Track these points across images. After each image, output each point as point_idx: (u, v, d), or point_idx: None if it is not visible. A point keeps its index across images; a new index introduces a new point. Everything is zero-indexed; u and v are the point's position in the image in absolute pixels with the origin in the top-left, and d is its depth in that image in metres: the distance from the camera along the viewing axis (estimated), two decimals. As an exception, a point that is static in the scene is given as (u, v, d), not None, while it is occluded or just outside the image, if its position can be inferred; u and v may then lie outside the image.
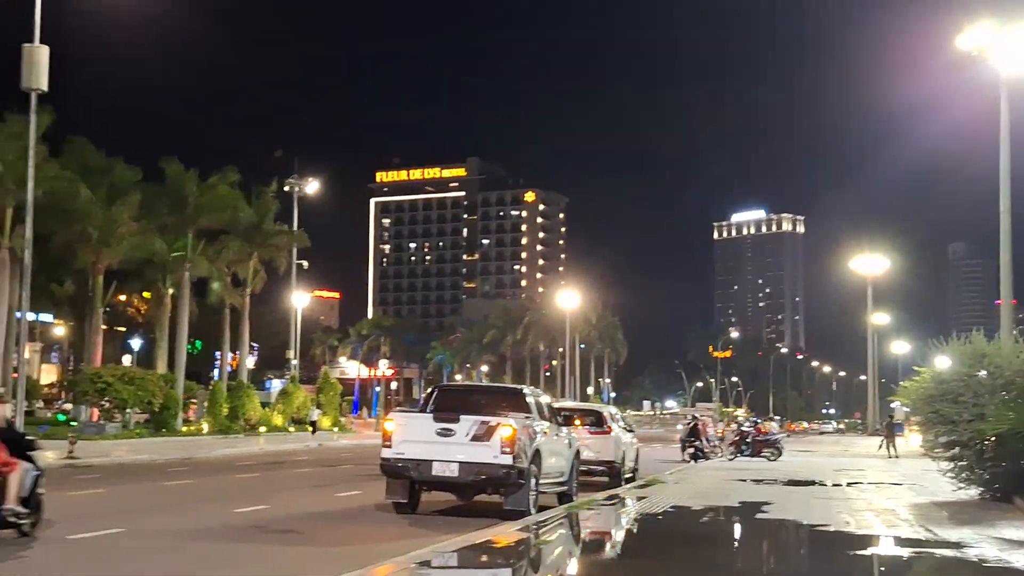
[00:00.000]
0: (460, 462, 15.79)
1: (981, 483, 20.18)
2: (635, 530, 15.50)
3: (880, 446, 49.73)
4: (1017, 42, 26.84)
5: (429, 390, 19.35)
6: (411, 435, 16.13)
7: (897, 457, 44.81)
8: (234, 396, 52.41)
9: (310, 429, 54.32)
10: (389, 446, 16.11)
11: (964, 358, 20.62)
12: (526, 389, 18.57)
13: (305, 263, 63.40)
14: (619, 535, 15.03)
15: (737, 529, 15.92)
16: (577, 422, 24.84)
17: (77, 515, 15.61)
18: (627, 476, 26.10)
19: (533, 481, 16.33)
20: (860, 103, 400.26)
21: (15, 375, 68.98)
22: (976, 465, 20.18)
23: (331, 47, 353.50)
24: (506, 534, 13.50)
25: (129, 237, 45.27)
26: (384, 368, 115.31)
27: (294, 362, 66.94)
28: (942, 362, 23.08)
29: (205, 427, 48.92)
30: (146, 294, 62.49)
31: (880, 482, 26.76)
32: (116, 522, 14.59)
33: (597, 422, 25.63)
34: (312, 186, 62.68)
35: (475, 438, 15.77)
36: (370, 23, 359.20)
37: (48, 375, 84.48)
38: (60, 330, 78.04)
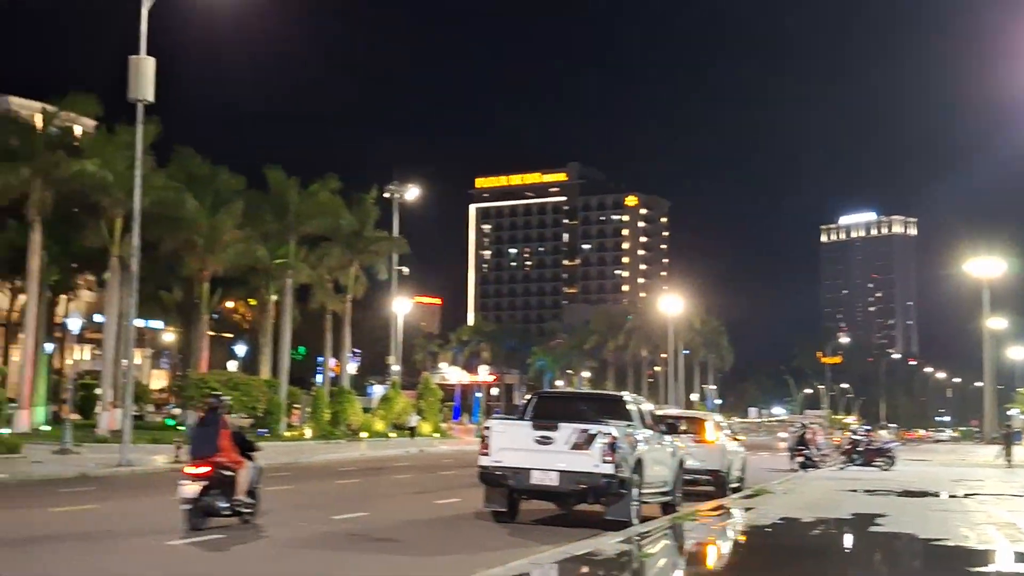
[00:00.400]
0: (560, 471, 15.44)
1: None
2: (742, 543, 14.95)
3: (997, 455, 47.98)
4: None
5: (528, 397, 19.06)
6: (510, 443, 15.83)
7: (1012, 466, 43.19)
8: (336, 402, 52.91)
9: (409, 434, 54.63)
10: (487, 454, 15.84)
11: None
12: (627, 396, 18.16)
13: (406, 269, 63.65)
14: (725, 548, 14.49)
15: (849, 543, 15.24)
16: (681, 430, 24.26)
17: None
18: (733, 485, 25.43)
19: (635, 491, 15.91)
20: (971, 97, 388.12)
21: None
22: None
23: (430, 53, 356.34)
24: (607, 545, 13.12)
25: (233, 244, 46.03)
26: (484, 374, 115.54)
27: (396, 368, 67.34)
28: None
29: (308, 432, 49.41)
30: (252, 301, 63.50)
31: (1000, 493, 25.73)
32: (215, 528, 14.59)
33: (701, 430, 25.02)
34: (412, 192, 62.87)
35: (575, 446, 15.41)
36: (466, 30, 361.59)
37: (159, 380, 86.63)
38: (170, 336, 79.89)
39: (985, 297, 58.63)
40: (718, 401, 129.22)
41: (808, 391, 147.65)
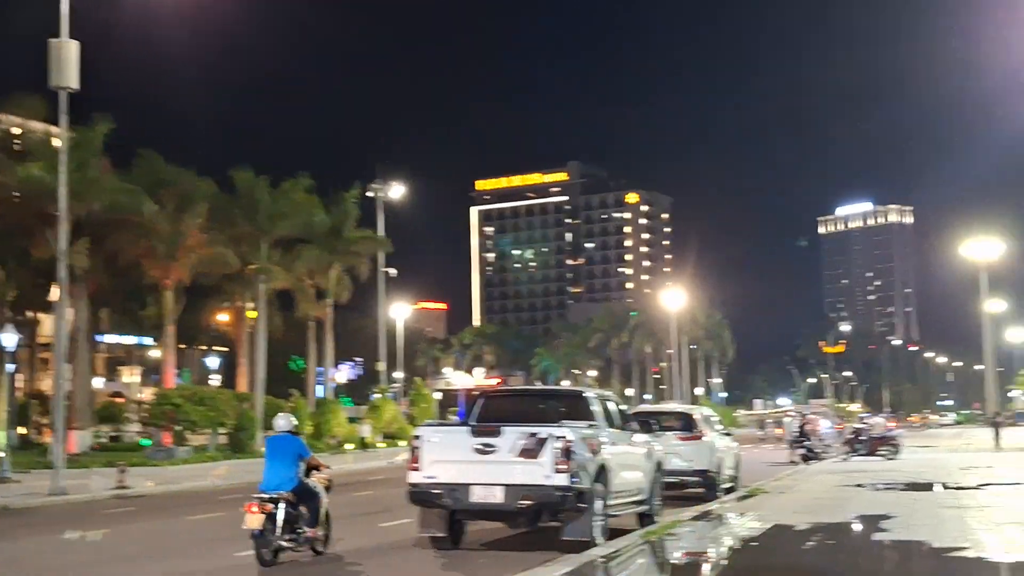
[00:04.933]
0: (505, 485, 13.05)
1: None
2: (723, 563, 12.64)
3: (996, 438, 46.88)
4: None
5: (474, 396, 16.59)
6: (444, 454, 13.42)
7: (1000, 449, 42.92)
8: (319, 413, 50.43)
9: (354, 447, 51.06)
10: (418, 468, 13.46)
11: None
12: (589, 392, 15.75)
13: (393, 271, 61.26)
14: (702, 571, 12.20)
15: (850, 559, 12.76)
16: (664, 426, 22.02)
17: (39, 568, 13.77)
18: (726, 486, 23.26)
19: (599, 504, 13.54)
20: (963, 81, 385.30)
21: (118, 399, 68.70)
22: None
23: (420, 57, 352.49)
24: (560, 574, 10.85)
25: (198, 250, 43.70)
26: (481, 376, 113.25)
27: (397, 375, 65.06)
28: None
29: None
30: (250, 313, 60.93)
31: (1017, 482, 23.68)
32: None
33: (687, 426, 22.74)
34: (397, 191, 60.40)
35: (523, 454, 13.01)
36: (457, 29, 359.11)
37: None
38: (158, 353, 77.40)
39: (983, 280, 56.53)
40: (724, 394, 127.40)
41: (813, 381, 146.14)
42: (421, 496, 13.43)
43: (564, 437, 12.98)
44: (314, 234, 51.11)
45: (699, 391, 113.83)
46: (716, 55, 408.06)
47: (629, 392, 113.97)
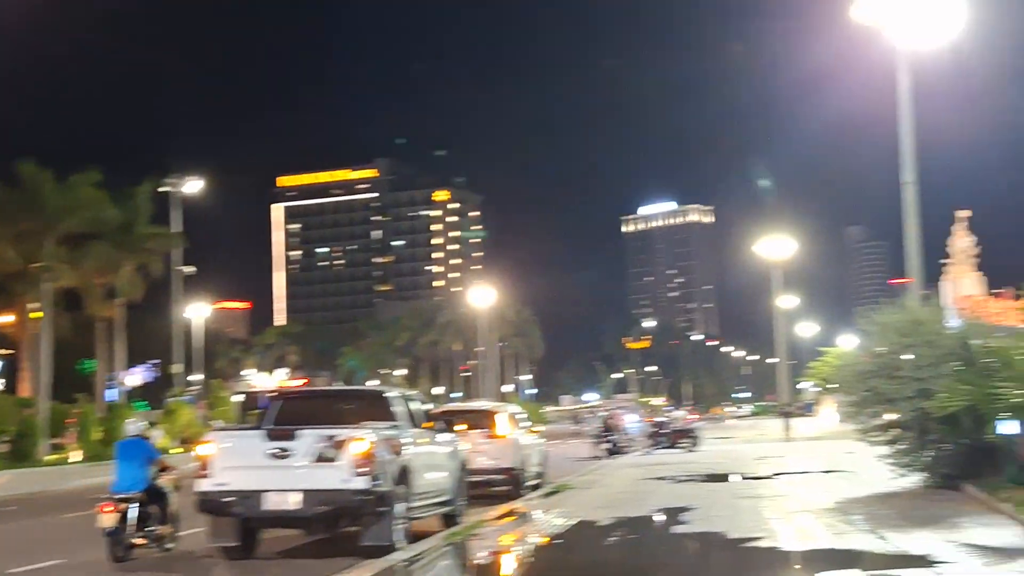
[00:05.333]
0: (301, 491, 12.48)
1: (924, 468, 17.97)
2: (529, 561, 12.46)
3: (784, 428, 49.05)
4: (914, 12, 24.12)
5: (270, 397, 15.86)
6: (236, 460, 12.74)
7: (789, 440, 44.17)
8: (110, 419, 47.94)
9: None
10: (207, 475, 12.73)
11: (903, 327, 18.10)
12: (390, 391, 15.31)
13: (189, 268, 59.00)
14: (506, 571, 11.98)
15: (651, 552, 12.80)
16: (469, 426, 21.77)
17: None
18: (533, 483, 23.15)
19: (400, 506, 13.11)
20: (759, 87, 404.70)
21: None
22: (919, 448, 17.90)
23: (224, 53, 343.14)
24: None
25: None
26: (283, 377, 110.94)
27: (195, 377, 62.67)
28: (847, 341, 21.05)
29: (76, 455, 44.46)
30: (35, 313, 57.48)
31: (807, 471, 24.71)
32: None
33: (492, 424, 22.55)
34: (194, 186, 58.14)
35: (320, 458, 12.49)
36: (262, 19, 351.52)
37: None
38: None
39: (776, 277, 59.17)
40: (534, 391, 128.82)
41: (620, 376, 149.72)
42: (211, 505, 12.73)
43: (364, 439, 12.55)
44: (104, 230, 48.54)
45: (508, 388, 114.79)
46: (526, 54, 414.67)
47: (438, 391, 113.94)
